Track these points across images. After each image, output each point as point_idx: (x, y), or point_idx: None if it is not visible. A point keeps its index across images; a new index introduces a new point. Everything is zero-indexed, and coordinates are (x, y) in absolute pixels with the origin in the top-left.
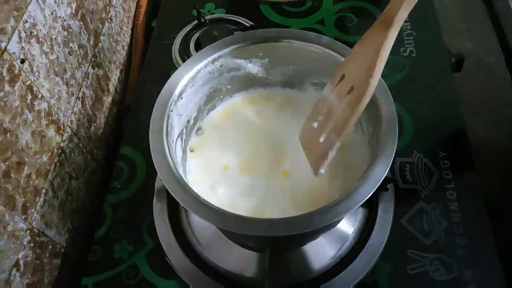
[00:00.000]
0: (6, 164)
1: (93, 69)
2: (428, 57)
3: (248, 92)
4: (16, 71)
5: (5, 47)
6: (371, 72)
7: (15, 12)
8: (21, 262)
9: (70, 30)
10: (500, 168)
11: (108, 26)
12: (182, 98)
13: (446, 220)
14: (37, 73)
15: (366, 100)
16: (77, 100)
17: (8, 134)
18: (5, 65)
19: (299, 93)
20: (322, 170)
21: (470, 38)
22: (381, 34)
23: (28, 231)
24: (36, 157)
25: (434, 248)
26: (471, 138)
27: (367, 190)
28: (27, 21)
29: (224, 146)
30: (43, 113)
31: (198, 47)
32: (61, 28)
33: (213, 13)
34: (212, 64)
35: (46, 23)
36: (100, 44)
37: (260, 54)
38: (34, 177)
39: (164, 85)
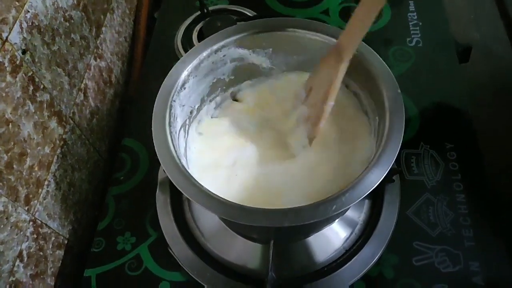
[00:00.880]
0: (8, 155)
1: (95, 61)
2: (435, 48)
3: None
4: (18, 62)
5: (7, 38)
6: (326, 100)
7: (17, 3)
8: (25, 253)
9: (72, 21)
10: (508, 159)
11: (110, 17)
12: (184, 89)
13: (453, 211)
14: (38, 64)
15: (323, 121)
16: (79, 92)
17: (10, 125)
18: (6, 56)
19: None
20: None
21: (477, 28)
22: (335, 64)
23: (31, 222)
24: (38, 148)
25: (440, 240)
26: (478, 129)
27: (373, 181)
28: (28, 11)
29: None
30: (45, 104)
31: (201, 38)
32: (62, 19)
33: (216, 4)
34: (215, 54)
35: (48, 14)
36: (102, 36)
37: (264, 44)
38: (36, 168)
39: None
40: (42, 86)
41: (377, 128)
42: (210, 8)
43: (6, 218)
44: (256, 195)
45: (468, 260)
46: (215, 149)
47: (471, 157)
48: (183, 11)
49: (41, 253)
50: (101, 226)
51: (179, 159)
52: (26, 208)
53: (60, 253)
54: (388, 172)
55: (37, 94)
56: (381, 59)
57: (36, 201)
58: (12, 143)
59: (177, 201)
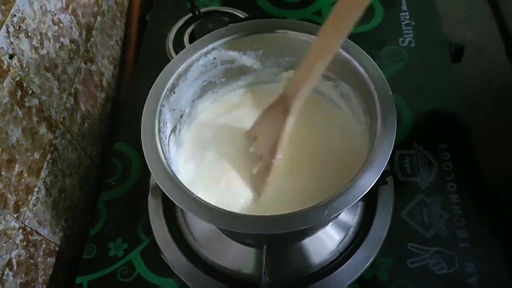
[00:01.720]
0: None
1: (86, 65)
2: (428, 47)
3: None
4: (5, 67)
5: None
6: (274, 154)
7: (3, 6)
8: (14, 261)
9: (61, 24)
10: (502, 158)
11: (101, 20)
12: (174, 93)
13: (447, 212)
14: (27, 69)
15: (272, 176)
16: (70, 96)
17: None
18: None
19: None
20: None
21: (470, 27)
22: (282, 117)
23: (20, 230)
24: (27, 154)
25: (434, 241)
26: (471, 129)
27: (365, 185)
28: (15, 15)
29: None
30: (34, 110)
31: (192, 41)
32: (51, 22)
33: (207, 6)
34: (205, 57)
35: (36, 17)
36: (92, 39)
37: (255, 46)
38: (26, 175)
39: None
40: (30, 91)
41: (369, 130)
42: (202, 10)
43: None
44: (249, 202)
45: (463, 261)
46: (203, 157)
47: (464, 157)
48: (174, 14)
49: (32, 260)
50: (92, 232)
51: (169, 166)
52: (16, 216)
53: (51, 260)
54: (381, 175)
55: (26, 99)
56: (372, 60)
57: (25, 208)
58: (0, 149)
59: (169, 206)
